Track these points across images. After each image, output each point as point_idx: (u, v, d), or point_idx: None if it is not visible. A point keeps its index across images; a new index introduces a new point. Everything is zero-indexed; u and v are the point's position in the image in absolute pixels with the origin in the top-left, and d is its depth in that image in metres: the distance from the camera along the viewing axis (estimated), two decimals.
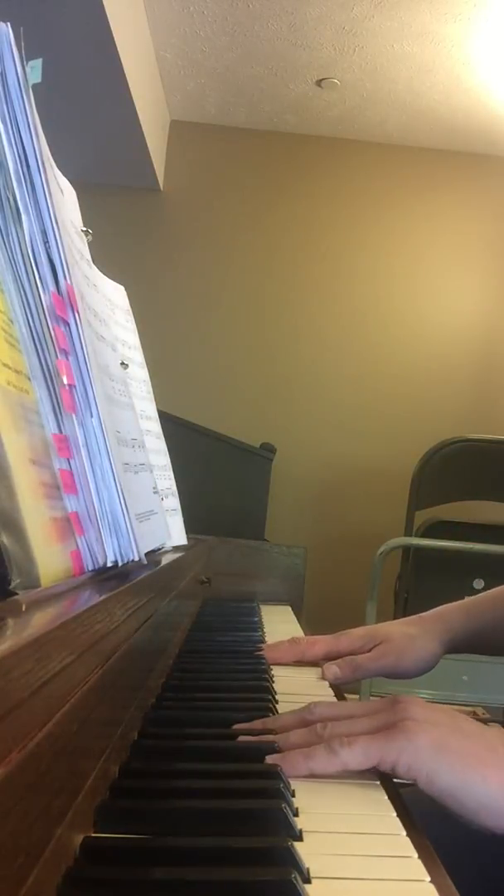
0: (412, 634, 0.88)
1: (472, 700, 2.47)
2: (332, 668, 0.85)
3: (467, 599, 0.95)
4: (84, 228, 0.75)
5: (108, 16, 2.28)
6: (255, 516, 2.90)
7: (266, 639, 1.07)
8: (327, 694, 0.79)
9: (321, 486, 3.49)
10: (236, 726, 0.59)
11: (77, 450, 0.57)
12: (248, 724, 0.60)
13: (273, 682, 0.79)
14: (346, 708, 0.59)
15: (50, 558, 0.46)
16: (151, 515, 0.80)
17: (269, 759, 0.52)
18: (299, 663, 0.90)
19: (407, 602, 2.78)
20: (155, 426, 1.03)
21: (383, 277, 3.57)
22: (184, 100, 3.38)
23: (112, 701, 0.48)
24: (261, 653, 0.93)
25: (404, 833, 0.45)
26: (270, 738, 0.56)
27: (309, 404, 3.51)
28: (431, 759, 0.50)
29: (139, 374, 1.00)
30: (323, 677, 0.85)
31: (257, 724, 0.60)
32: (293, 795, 0.49)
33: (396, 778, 0.51)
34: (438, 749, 0.50)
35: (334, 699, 0.77)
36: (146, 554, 0.66)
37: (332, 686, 0.82)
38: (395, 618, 2.83)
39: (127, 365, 0.87)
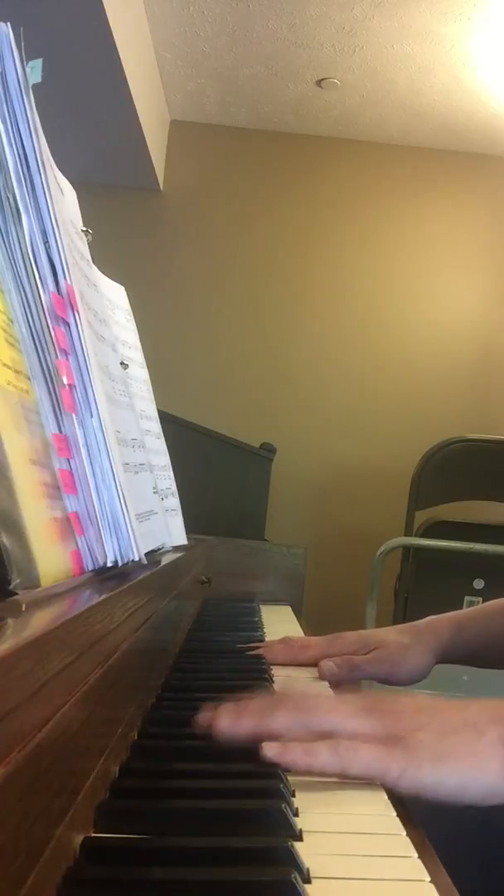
0: (406, 644, 0.88)
1: None
2: (329, 665, 0.85)
3: (461, 612, 0.94)
4: (84, 228, 0.75)
5: (108, 16, 2.28)
6: (255, 516, 2.90)
7: (266, 639, 1.07)
8: (327, 695, 0.79)
9: (321, 486, 3.49)
10: (201, 713, 0.56)
11: (77, 450, 0.57)
12: (217, 704, 0.57)
13: (273, 682, 0.79)
14: (322, 701, 0.58)
15: (50, 558, 0.46)
16: (151, 515, 0.80)
17: (266, 746, 0.52)
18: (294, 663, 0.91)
19: (407, 602, 2.78)
20: (155, 426, 1.03)
21: (383, 276, 3.57)
22: (184, 100, 3.38)
23: (112, 701, 0.48)
24: (253, 651, 0.93)
25: (404, 833, 0.45)
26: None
27: (309, 404, 3.51)
28: (432, 772, 0.51)
29: (139, 374, 1.00)
30: (319, 675, 0.85)
31: (224, 704, 0.57)
32: (293, 795, 0.49)
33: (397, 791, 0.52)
34: (436, 759, 0.52)
35: None
36: (146, 554, 0.66)
37: (332, 686, 0.82)
38: (394, 618, 2.83)
39: (127, 365, 0.87)
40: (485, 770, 0.51)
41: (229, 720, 0.54)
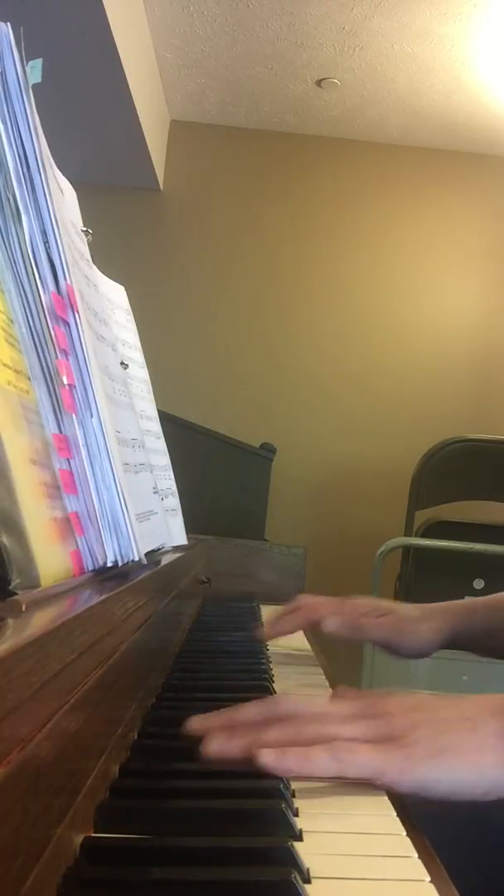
0: (415, 616, 0.90)
1: None
2: (335, 620, 0.85)
3: (472, 599, 0.95)
4: (84, 228, 0.75)
5: (108, 16, 2.28)
6: (255, 516, 2.90)
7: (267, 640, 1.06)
8: (320, 699, 0.79)
9: (321, 486, 3.49)
10: (191, 720, 0.55)
11: (77, 450, 0.57)
12: (207, 715, 0.56)
13: (273, 682, 0.79)
14: (315, 705, 0.58)
15: (50, 558, 0.46)
16: (151, 515, 0.80)
17: (263, 753, 0.50)
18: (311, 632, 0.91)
19: (407, 602, 2.78)
20: (155, 426, 1.03)
21: (383, 277, 3.57)
22: (184, 100, 3.38)
23: (112, 701, 0.48)
24: (263, 629, 0.93)
25: (404, 833, 0.45)
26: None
27: (309, 404, 3.51)
28: (430, 769, 0.51)
29: (139, 374, 1.00)
30: (322, 629, 0.85)
31: (214, 716, 0.56)
32: (293, 795, 0.49)
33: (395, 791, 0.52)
34: (433, 756, 0.51)
35: None
36: (146, 554, 0.66)
37: (331, 686, 0.82)
38: None
39: (127, 365, 0.87)
40: (482, 764, 0.51)
41: (218, 743, 0.52)
